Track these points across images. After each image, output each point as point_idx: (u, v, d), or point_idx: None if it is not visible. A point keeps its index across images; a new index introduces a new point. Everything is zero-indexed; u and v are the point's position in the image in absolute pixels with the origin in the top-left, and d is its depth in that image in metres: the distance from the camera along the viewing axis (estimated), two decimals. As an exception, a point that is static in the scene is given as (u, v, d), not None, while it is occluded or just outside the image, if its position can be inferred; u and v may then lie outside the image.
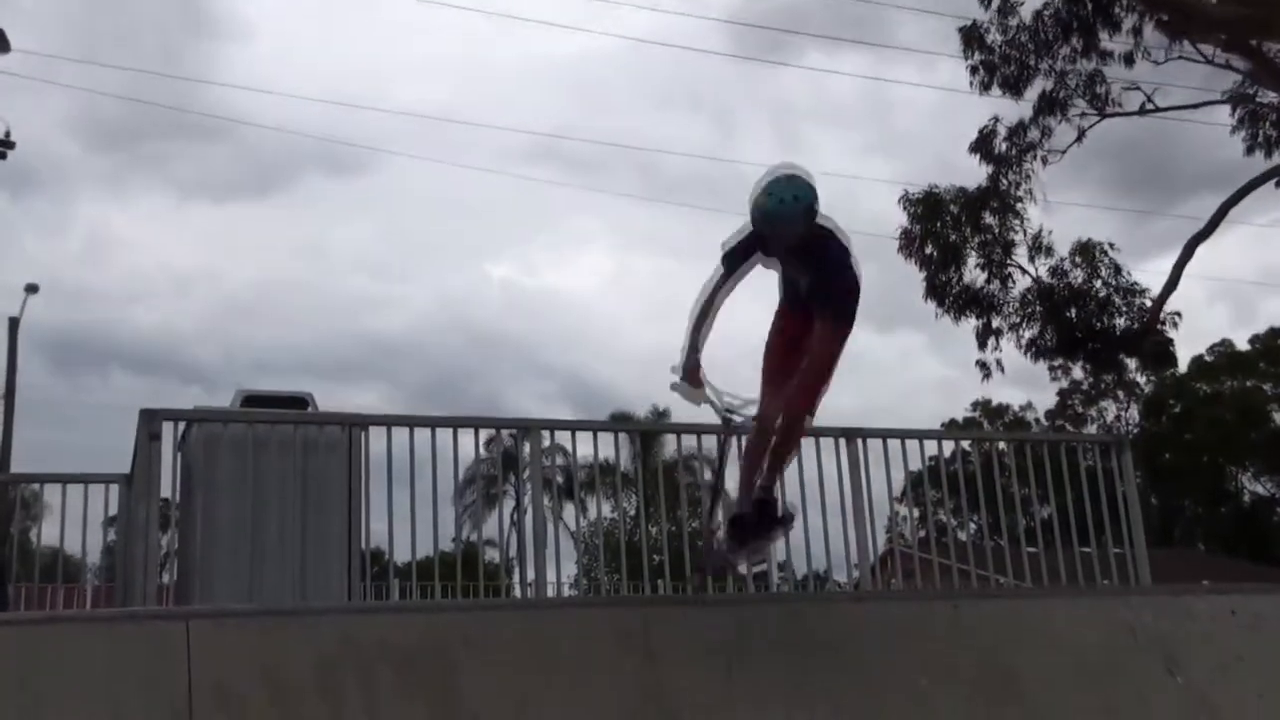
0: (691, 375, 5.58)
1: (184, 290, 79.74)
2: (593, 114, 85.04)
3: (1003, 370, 21.72)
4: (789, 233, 5.27)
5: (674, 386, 5.58)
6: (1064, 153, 21.47)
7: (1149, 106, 21.24)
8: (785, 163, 5.42)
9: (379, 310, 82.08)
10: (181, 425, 7.63)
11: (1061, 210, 20.45)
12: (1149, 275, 21.94)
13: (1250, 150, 20.45)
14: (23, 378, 28.74)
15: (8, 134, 26.17)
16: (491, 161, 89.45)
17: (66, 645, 5.20)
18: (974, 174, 21.69)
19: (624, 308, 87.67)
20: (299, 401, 8.77)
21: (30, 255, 62.05)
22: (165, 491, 7.34)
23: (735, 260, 5.52)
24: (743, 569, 6.80)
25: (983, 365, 21.73)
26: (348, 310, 79.40)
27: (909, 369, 78.45)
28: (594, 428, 8.98)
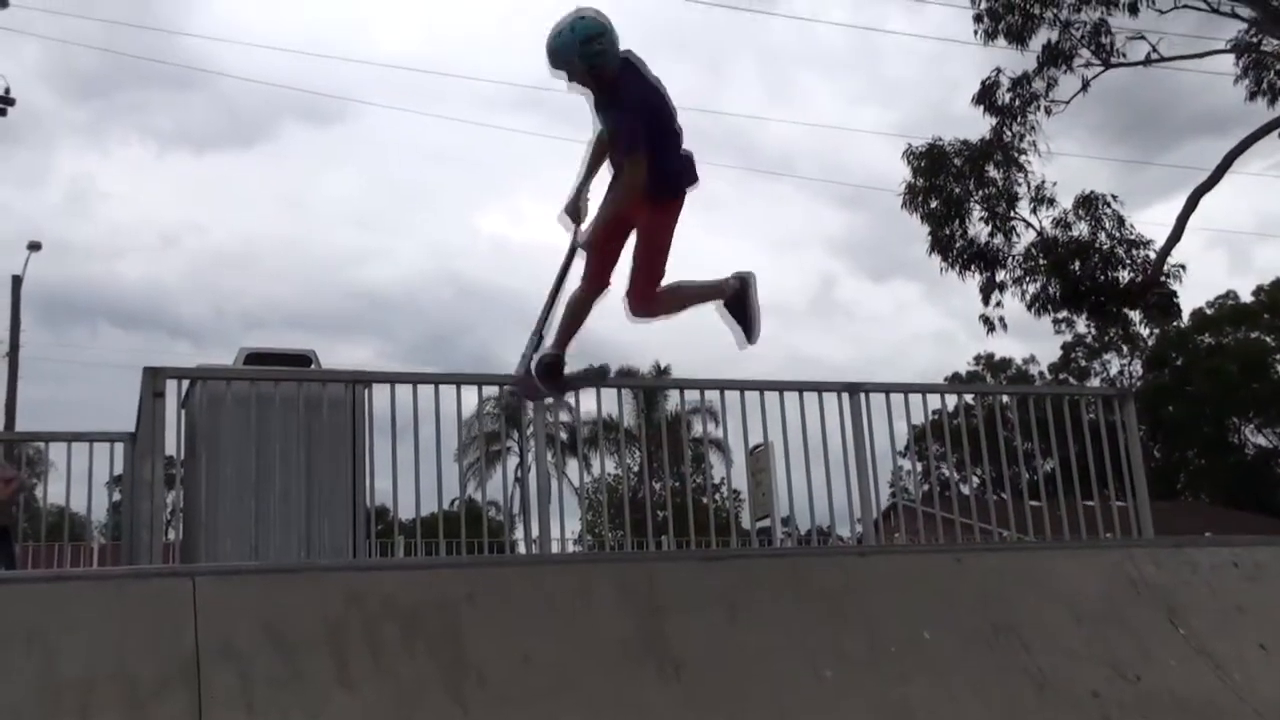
0: (574, 209, 5.63)
1: (169, 244, 79.80)
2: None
3: (1005, 327, 21.73)
4: (568, 67, 5.27)
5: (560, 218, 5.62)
6: (1068, 103, 21.34)
7: (1154, 56, 21.07)
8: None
9: (367, 263, 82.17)
10: (185, 383, 7.64)
11: (1055, 160, 20.35)
12: (1142, 224, 21.90)
13: (1252, 97, 20.32)
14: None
15: (7, 90, 26.08)
16: (473, 112, 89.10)
17: (75, 603, 5.23)
18: (966, 121, 21.64)
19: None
20: (302, 359, 8.78)
21: (10, 208, 61.71)
22: (170, 449, 7.37)
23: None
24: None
25: (987, 320, 21.73)
26: (335, 263, 79.47)
27: (905, 320, 78.54)
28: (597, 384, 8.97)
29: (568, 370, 5.79)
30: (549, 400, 6.27)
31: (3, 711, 4.64)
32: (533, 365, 5.69)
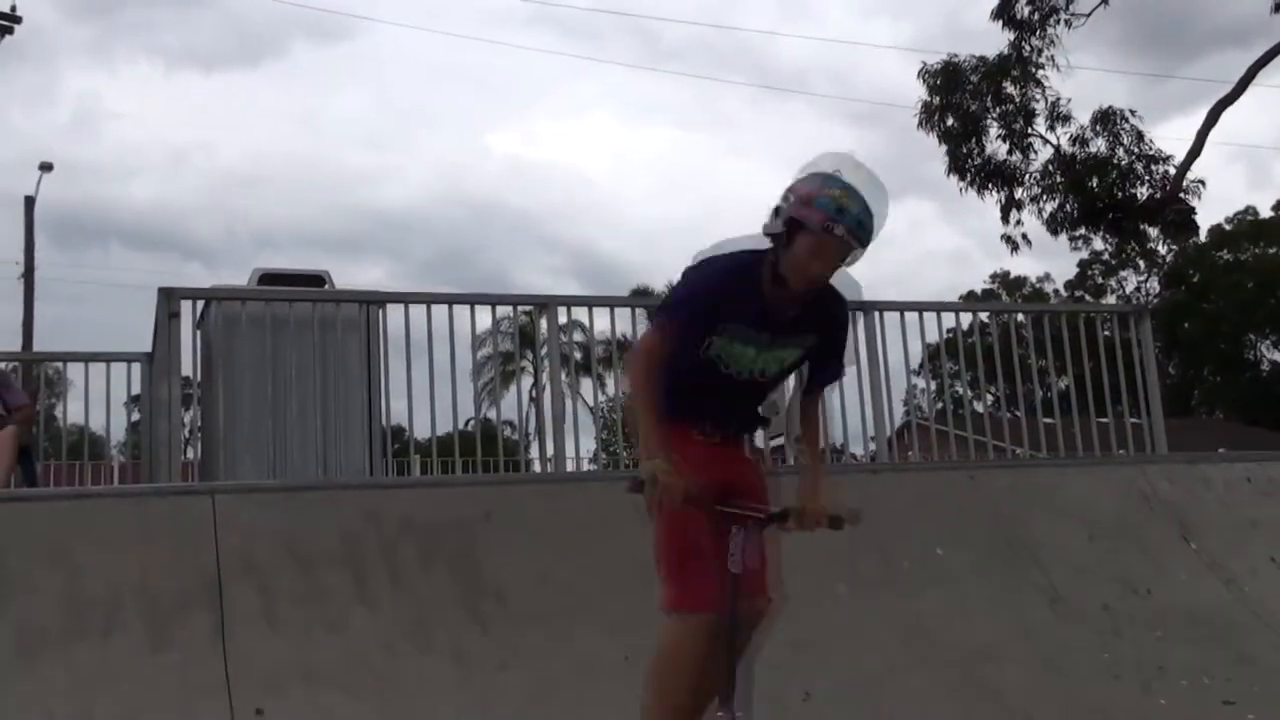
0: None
1: (179, 163, 79.36)
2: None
3: (1029, 244, 21.63)
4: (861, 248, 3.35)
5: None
6: (1088, 16, 20.96)
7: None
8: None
9: (377, 183, 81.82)
10: (200, 304, 7.65)
11: (1072, 74, 19.96)
12: (1161, 139, 21.64)
13: (1278, 9, 19.95)
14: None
15: (13, 8, 25.80)
16: (483, 28, 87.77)
17: (97, 520, 5.29)
18: (979, 34, 21.27)
19: (628, 178, 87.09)
20: (316, 279, 8.77)
21: (17, 128, 61.13)
22: (186, 369, 7.40)
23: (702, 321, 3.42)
24: None
25: (1008, 239, 21.62)
26: (345, 183, 79.12)
27: (920, 238, 78.10)
28: (611, 303, 8.96)
29: None
30: None
31: (30, 626, 4.71)
32: None
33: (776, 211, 3.32)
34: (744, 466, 3.71)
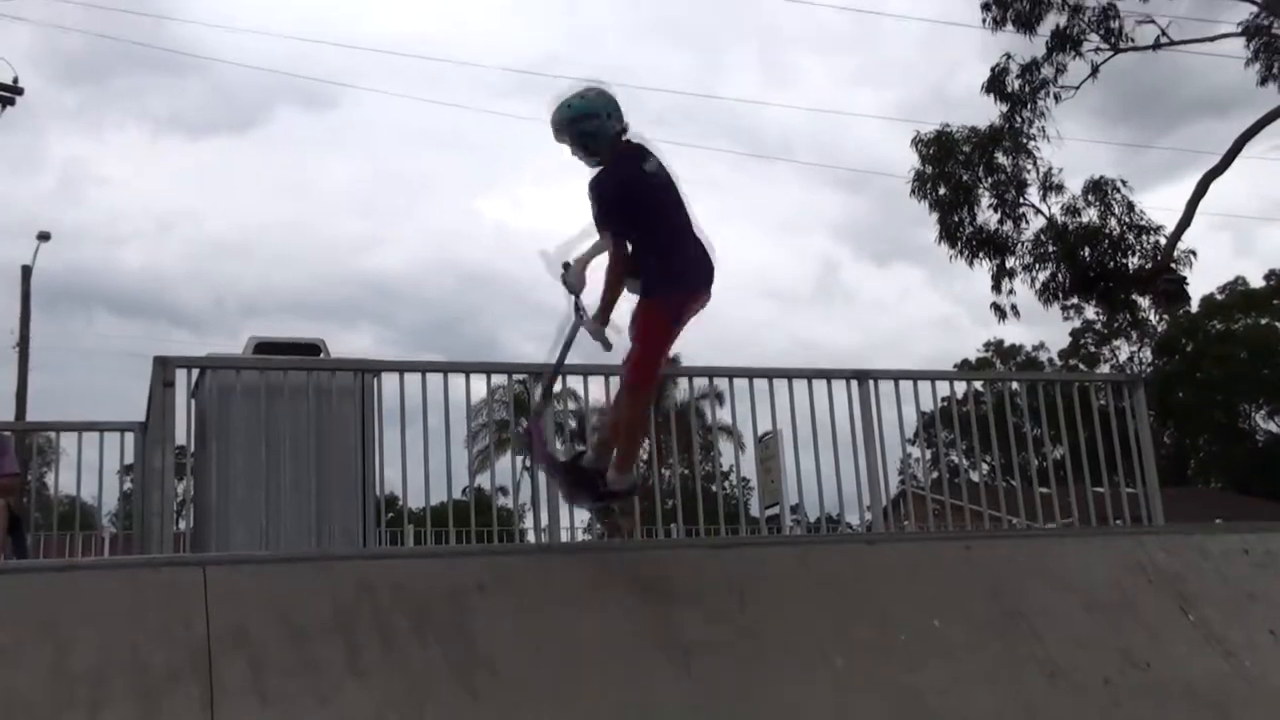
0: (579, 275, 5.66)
1: (166, 230, 79.57)
2: (573, 46, 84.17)
3: (1018, 315, 21.73)
4: (563, 141, 5.42)
5: (548, 261, 5.63)
6: (1077, 89, 21.27)
7: (1164, 41, 20.97)
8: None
9: (366, 250, 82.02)
10: (195, 372, 7.65)
11: (1058, 143, 20.31)
12: (1144, 207, 21.67)
13: (1264, 82, 20.24)
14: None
15: (15, 80, 26.02)
16: (470, 96, 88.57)
17: (88, 592, 5.25)
18: (965, 104, 21.56)
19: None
20: (311, 348, 8.78)
21: (3, 194, 61.11)
22: (180, 439, 7.38)
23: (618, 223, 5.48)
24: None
25: (998, 308, 21.70)
26: (333, 250, 79.29)
27: (909, 305, 78.42)
28: (606, 372, 8.96)
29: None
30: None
31: (16, 701, 4.65)
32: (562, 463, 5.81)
33: None
34: None
